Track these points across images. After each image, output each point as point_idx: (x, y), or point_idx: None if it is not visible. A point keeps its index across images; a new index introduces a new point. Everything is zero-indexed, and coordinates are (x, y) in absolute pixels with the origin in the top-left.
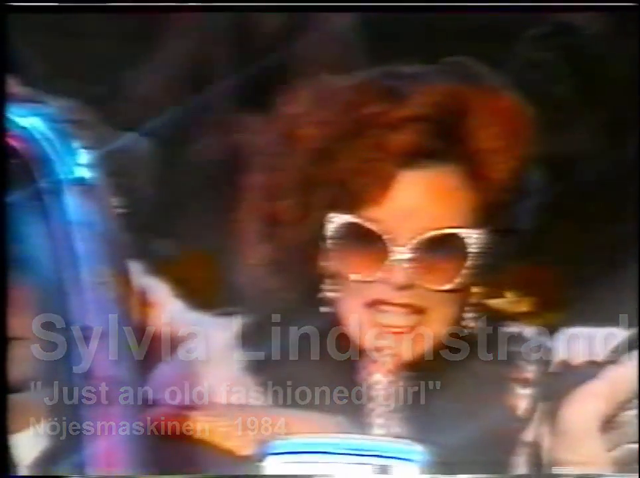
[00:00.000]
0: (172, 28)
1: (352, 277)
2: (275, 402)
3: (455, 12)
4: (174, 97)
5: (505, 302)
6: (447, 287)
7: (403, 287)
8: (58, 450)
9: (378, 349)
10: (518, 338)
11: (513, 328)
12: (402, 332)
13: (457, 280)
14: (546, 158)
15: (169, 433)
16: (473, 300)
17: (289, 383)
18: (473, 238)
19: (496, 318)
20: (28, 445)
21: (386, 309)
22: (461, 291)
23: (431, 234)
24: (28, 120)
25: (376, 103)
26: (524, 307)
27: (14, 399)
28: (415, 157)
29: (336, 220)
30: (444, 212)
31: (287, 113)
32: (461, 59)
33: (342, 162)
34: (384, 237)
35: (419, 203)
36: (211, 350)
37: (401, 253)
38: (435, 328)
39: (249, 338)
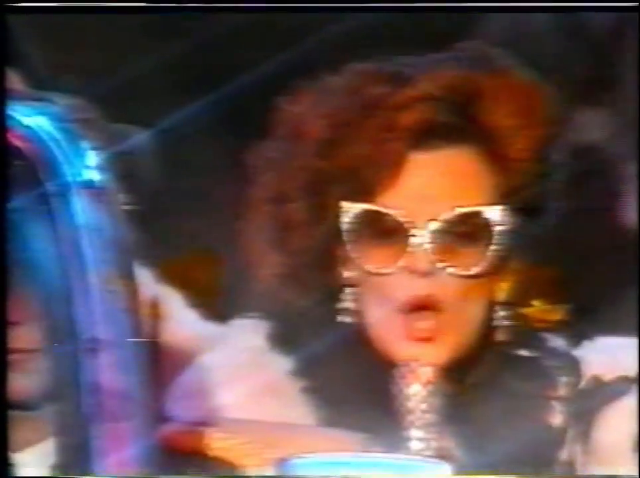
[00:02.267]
0: (182, 25)
1: (374, 269)
2: (304, 418)
3: (455, 12)
4: (185, 96)
5: (536, 310)
6: (474, 271)
7: (426, 273)
8: (66, 468)
9: (413, 358)
10: (550, 350)
11: (545, 337)
12: (430, 338)
13: (484, 263)
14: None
15: (184, 450)
16: (502, 297)
17: (318, 396)
18: (497, 215)
19: (528, 325)
20: (34, 463)
21: (413, 310)
22: (487, 286)
23: (452, 214)
24: (33, 119)
25: (382, 85)
26: (555, 315)
27: (19, 415)
28: (427, 136)
29: (351, 210)
30: (463, 193)
31: (291, 112)
32: (471, 44)
33: (350, 149)
34: (402, 222)
35: (436, 184)
36: (231, 360)
37: (422, 238)
38: (461, 331)
39: (276, 346)
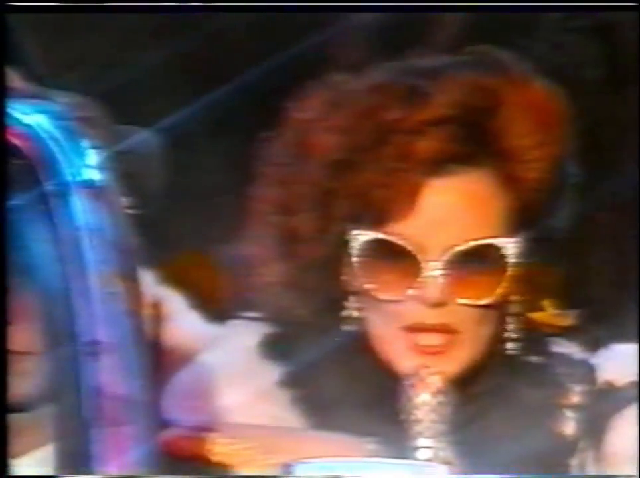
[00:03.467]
0: (184, 23)
1: (382, 296)
2: (304, 422)
3: (456, 10)
4: (187, 95)
5: (547, 315)
6: (485, 302)
7: (437, 305)
8: (65, 473)
9: (422, 368)
10: (561, 356)
11: (556, 343)
12: (439, 352)
13: (496, 294)
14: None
15: (185, 456)
16: (513, 309)
17: (318, 402)
18: (510, 247)
19: (538, 332)
20: (33, 467)
21: (421, 332)
22: (499, 304)
23: (466, 245)
24: (32, 117)
25: (397, 107)
26: (567, 321)
27: (17, 419)
28: (442, 164)
29: (360, 237)
30: (478, 221)
31: (299, 119)
32: (483, 48)
33: (364, 174)
34: (414, 252)
35: (450, 213)
36: (232, 360)
37: (434, 268)
38: (473, 347)
39: (273, 349)
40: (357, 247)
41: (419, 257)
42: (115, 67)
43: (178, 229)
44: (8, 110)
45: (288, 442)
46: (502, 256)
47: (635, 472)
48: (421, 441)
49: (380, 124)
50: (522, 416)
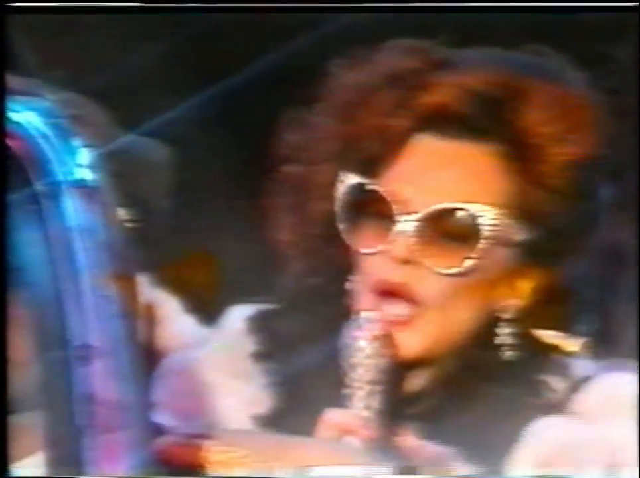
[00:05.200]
0: (177, 22)
1: (360, 249)
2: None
3: (451, 12)
4: (180, 93)
5: (551, 336)
6: (453, 271)
7: (403, 261)
8: None
9: (370, 319)
10: (551, 367)
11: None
12: (403, 323)
13: (465, 264)
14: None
15: (179, 464)
16: (507, 314)
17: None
18: (487, 217)
19: (538, 349)
20: (26, 474)
21: (386, 295)
22: (481, 291)
23: (441, 206)
24: (22, 115)
25: (418, 62)
26: (571, 345)
27: (10, 425)
28: (445, 124)
29: (346, 181)
30: (468, 190)
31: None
32: (538, 48)
33: (364, 117)
34: (392, 204)
35: (442, 175)
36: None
37: (406, 224)
38: (442, 326)
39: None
40: (342, 192)
41: (395, 210)
42: (108, 64)
43: (173, 230)
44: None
45: (282, 450)
46: (477, 225)
47: (635, 472)
48: (355, 390)
49: (395, 70)
50: (499, 415)
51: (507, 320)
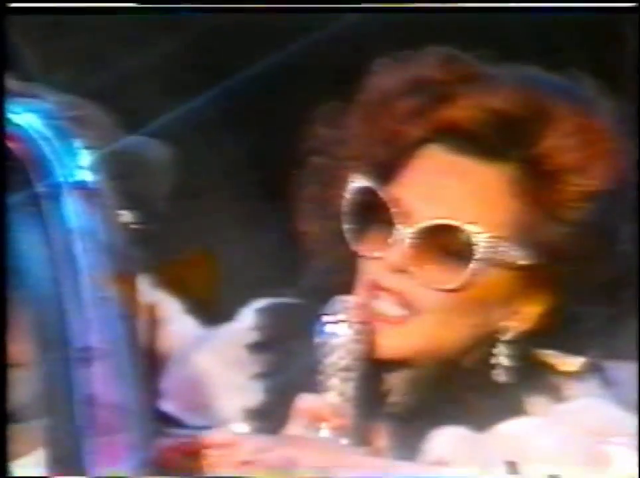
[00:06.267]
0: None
1: (360, 251)
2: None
3: (452, 12)
4: (181, 95)
5: (551, 357)
6: (446, 286)
7: (396, 269)
8: None
9: (348, 305)
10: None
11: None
12: (393, 322)
13: (456, 282)
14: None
15: (179, 467)
16: (506, 336)
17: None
18: (481, 239)
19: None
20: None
21: (378, 291)
22: (480, 312)
23: (438, 222)
24: (23, 117)
25: (447, 75)
26: (570, 366)
27: (11, 427)
28: (459, 138)
29: (355, 184)
30: (472, 209)
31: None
32: (575, 73)
33: (385, 121)
34: (393, 213)
35: (448, 189)
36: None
37: (404, 234)
38: (434, 335)
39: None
40: (349, 194)
41: (395, 219)
42: (108, 65)
43: (174, 230)
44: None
45: (286, 452)
46: (472, 245)
47: (635, 472)
48: (328, 375)
49: (419, 77)
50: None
51: (506, 342)
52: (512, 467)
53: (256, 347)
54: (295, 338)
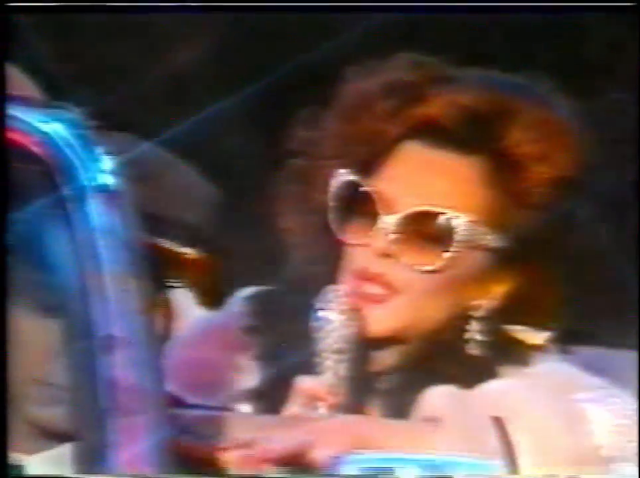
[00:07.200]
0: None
1: (346, 239)
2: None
3: (449, 12)
4: (196, 103)
5: (521, 332)
6: (427, 268)
7: (382, 255)
8: (82, 464)
9: (339, 293)
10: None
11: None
12: (377, 300)
13: (438, 264)
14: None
15: (195, 462)
16: (478, 313)
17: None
18: (461, 223)
19: (507, 344)
20: (51, 460)
21: (365, 280)
22: (456, 291)
23: (420, 209)
24: (50, 126)
25: (418, 77)
26: (540, 339)
27: (34, 412)
28: (433, 134)
29: (340, 178)
30: (448, 197)
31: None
32: (533, 73)
33: (365, 121)
34: (377, 203)
35: (425, 180)
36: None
37: (388, 222)
38: (414, 312)
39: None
40: (335, 187)
41: (379, 208)
42: (129, 74)
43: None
44: (28, 119)
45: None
46: (452, 229)
47: (635, 472)
48: (324, 359)
49: (395, 81)
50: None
51: (478, 318)
52: (497, 422)
53: (249, 331)
54: (283, 324)
